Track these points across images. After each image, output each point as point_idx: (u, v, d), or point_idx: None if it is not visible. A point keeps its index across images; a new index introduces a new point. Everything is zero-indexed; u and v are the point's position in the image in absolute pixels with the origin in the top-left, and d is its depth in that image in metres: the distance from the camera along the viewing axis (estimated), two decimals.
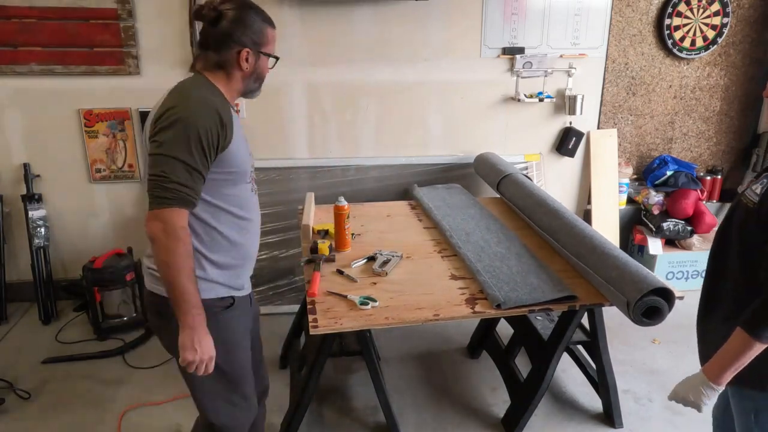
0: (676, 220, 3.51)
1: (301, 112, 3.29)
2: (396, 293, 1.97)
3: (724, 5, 3.49)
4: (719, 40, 3.56)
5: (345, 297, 1.92)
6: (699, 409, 1.41)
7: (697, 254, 3.56)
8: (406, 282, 2.06)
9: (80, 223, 3.31)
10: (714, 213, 3.73)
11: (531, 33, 3.34)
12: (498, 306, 1.86)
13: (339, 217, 2.26)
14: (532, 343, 2.43)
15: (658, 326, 1.88)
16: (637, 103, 3.70)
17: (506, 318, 2.60)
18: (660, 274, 3.49)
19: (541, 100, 3.40)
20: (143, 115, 3.13)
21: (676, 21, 3.50)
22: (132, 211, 3.33)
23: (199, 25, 1.61)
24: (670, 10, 3.47)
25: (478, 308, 1.88)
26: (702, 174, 3.79)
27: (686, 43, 3.55)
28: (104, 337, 2.99)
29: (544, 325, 2.44)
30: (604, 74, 3.53)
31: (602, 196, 3.62)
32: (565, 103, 3.44)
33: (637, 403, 2.57)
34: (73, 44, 2.99)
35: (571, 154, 3.57)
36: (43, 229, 3.20)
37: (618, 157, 3.65)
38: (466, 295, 1.96)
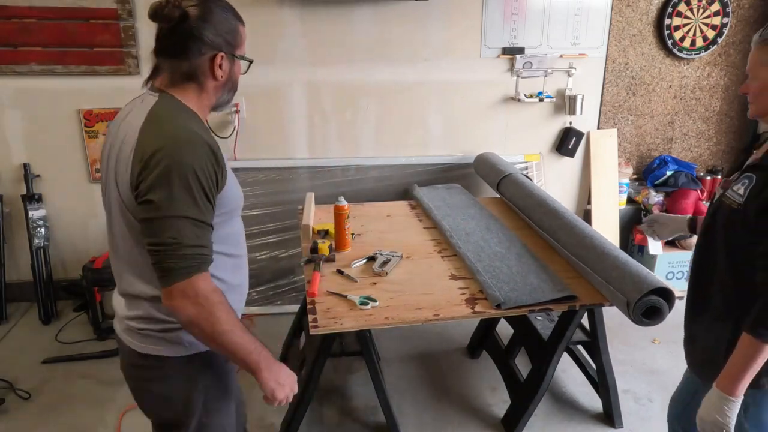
0: None
1: (301, 112, 3.29)
2: (396, 293, 1.97)
3: (724, 5, 3.49)
4: (719, 40, 3.56)
5: (345, 297, 1.92)
6: (729, 429, 1.34)
7: None
8: (406, 282, 2.05)
9: (80, 223, 3.31)
10: None
11: (531, 33, 3.34)
12: (498, 306, 1.86)
13: (339, 217, 2.26)
14: (532, 343, 2.43)
15: (658, 326, 1.88)
16: (637, 103, 3.69)
17: (506, 318, 2.60)
18: (660, 274, 3.49)
19: (541, 100, 3.40)
20: None
21: (676, 21, 3.50)
22: None
23: (153, 28, 1.26)
24: (670, 10, 3.47)
25: (478, 308, 1.88)
26: (702, 174, 3.78)
27: (686, 43, 3.55)
28: (104, 337, 2.98)
29: (544, 325, 2.44)
30: (604, 74, 3.53)
31: (602, 196, 3.62)
32: (565, 103, 3.44)
33: (637, 403, 2.57)
34: (73, 44, 2.99)
35: (571, 154, 3.57)
36: (43, 229, 3.20)
37: (618, 157, 3.64)
38: (466, 295, 1.96)
